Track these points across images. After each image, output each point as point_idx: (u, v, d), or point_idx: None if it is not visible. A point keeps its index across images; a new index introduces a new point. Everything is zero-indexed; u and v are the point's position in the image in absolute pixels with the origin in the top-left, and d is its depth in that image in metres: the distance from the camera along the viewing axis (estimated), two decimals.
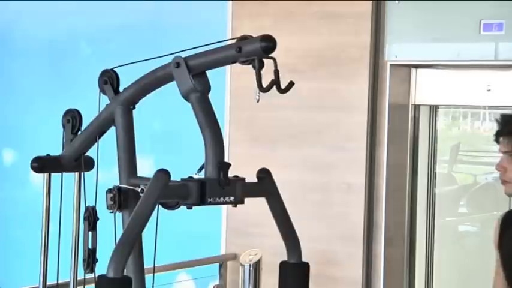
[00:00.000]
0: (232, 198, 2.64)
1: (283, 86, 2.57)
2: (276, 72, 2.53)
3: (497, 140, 2.66)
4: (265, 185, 2.70)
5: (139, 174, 2.94)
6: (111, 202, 2.86)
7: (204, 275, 5.01)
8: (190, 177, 2.61)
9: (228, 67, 4.63)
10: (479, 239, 4.66)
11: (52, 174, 3.27)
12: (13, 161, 6.67)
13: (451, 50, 4.38)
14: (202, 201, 2.59)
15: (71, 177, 3.29)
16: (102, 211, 2.98)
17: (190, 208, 2.63)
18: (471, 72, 4.55)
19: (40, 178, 3.31)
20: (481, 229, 4.72)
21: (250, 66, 2.56)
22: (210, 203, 2.60)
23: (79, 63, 6.18)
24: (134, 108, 3.00)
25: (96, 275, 2.65)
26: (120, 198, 2.86)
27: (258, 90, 2.61)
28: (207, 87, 2.73)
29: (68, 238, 3.31)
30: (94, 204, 3.10)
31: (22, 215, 6.22)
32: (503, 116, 2.67)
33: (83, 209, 3.14)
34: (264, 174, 2.72)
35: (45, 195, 3.30)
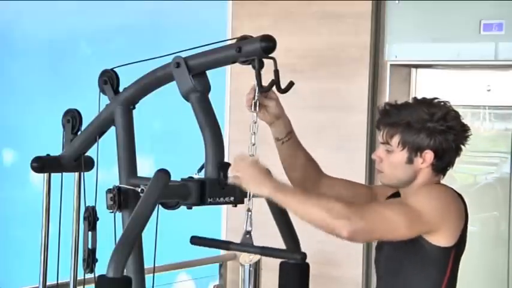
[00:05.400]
0: (232, 198, 2.64)
1: (283, 86, 2.57)
2: (276, 72, 2.53)
3: (378, 129, 2.68)
4: None
5: (139, 174, 2.94)
6: (111, 202, 2.86)
7: (204, 275, 5.02)
8: (190, 177, 2.61)
9: (228, 67, 4.63)
10: (479, 238, 4.66)
11: (52, 174, 3.27)
12: (13, 161, 6.68)
13: (451, 50, 4.39)
14: (202, 201, 2.59)
15: (71, 177, 3.29)
16: (102, 211, 2.98)
17: (190, 208, 2.63)
18: (471, 72, 4.55)
19: (40, 178, 3.31)
20: (481, 229, 4.71)
21: (250, 66, 2.56)
22: (210, 203, 2.60)
23: (79, 63, 6.19)
24: (134, 108, 3.00)
25: (96, 275, 2.65)
26: (120, 198, 2.86)
27: (257, 91, 2.61)
28: (207, 87, 2.73)
29: (68, 238, 3.31)
30: (94, 204, 3.10)
31: (22, 215, 6.22)
32: (383, 107, 2.68)
33: (83, 209, 3.14)
34: None
35: (45, 195, 3.30)
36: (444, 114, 2.61)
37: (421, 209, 2.51)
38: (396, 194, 2.75)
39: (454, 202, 2.61)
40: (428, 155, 2.61)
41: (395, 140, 2.62)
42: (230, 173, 2.54)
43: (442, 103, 2.64)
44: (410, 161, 2.62)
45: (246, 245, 2.54)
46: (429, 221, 2.52)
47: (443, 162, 2.64)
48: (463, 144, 2.66)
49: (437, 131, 2.59)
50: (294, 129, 2.84)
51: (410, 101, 2.70)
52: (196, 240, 2.63)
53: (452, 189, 2.66)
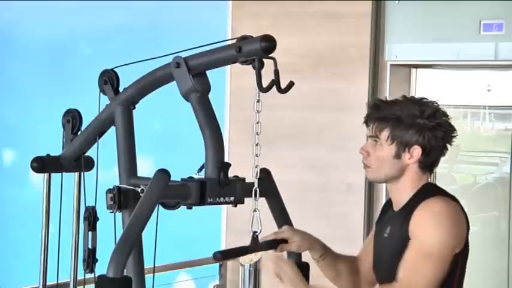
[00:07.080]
0: (232, 198, 2.64)
1: (283, 86, 2.57)
2: (276, 72, 2.53)
3: (366, 124, 2.68)
4: (265, 185, 2.69)
5: (139, 174, 2.94)
6: (111, 202, 2.86)
7: (204, 275, 5.02)
8: (190, 177, 2.61)
9: (228, 67, 4.63)
10: (479, 238, 4.66)
11: (52, 174, 3.27)
12: (13, 161, 6.68)
13: (451, 50, 4.38)
14: (202, 201, 2.58)
15: (71, 177, 3.29)
16: (102, 211, 2.98)
17: (190, 208, 2.63)
18: (471, 72, 4.55)
19: (40, 178, 3.31)
20: (481, 229, 4.72)
21: (250, 66, 2.56)
22: (210, 203, 2.60)
23: (79, 63, 6.20)
24: (134, 108, 3.01)
25: (96, 275, 2.65)
26: (120, 198, 2.86)
27: (257, 90, 2.61)
28: (207, 87, 2.73)
29: (68, 238, 3.31)
30: (94, 204, 3.10)
31: (22, 215, 6.22)
32: (373, 101, 2.69)
33: (83, 209, 3.14)
34: (264, 174, 2.71)
35: (45, 195, 3.30)
36: (434, 111, 2.63)
37: (439, 245, 2.55)
38: (389, 202, 2.75)
39: (458, 216, 2.63)
40: (416, 151, 2.61)
41: (385, 134, 2.62)
42: (271, 273, 2.54)
43: (431, 102, 2.66)
44: (398, 156, 2.63)
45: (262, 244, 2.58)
46: (452, 249, 2.59)
47: (430, 159, 2.65)
48: (450, 143, 2.68)
49: (427, 128, 2.61)
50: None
51: (400, 98, 2.71)
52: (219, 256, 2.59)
53: (450, 198, 2.65)
